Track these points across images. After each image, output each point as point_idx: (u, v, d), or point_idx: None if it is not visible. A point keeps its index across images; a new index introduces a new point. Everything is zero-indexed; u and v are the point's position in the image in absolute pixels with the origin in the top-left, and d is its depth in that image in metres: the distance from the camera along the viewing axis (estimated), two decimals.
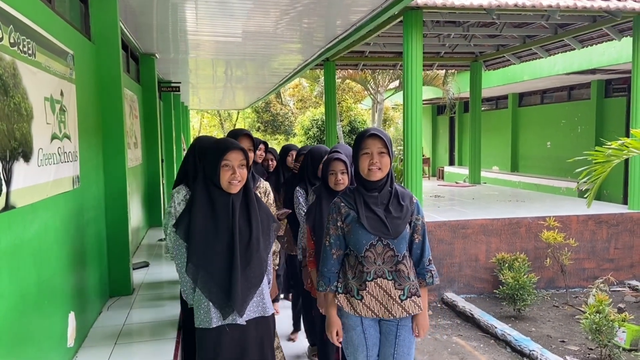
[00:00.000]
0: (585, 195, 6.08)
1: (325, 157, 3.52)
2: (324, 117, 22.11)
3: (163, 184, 9.98)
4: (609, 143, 5.83)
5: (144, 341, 4.11)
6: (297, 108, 27.22)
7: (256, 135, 26.90)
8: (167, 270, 6.38)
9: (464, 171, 18.48)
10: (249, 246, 2.64)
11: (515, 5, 7.46)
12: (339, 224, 2.71)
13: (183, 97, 17.11)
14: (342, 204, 2.72)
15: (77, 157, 4.07)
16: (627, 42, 9.84)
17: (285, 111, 27.36)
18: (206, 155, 2.72)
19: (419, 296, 2.74)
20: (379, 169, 2.62)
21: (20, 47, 2.88)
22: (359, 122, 22.63)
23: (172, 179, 12.13)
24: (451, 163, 22.15)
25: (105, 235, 5.09)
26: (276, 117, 26.91)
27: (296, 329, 5.06)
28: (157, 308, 4.92)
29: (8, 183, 2.61)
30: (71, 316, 3.76)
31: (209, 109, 30.02)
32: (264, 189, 3.53)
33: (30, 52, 3.03)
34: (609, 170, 5.76)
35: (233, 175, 2.58)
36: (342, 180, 3.28)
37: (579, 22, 9.35)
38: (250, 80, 14.55)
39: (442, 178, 20.52)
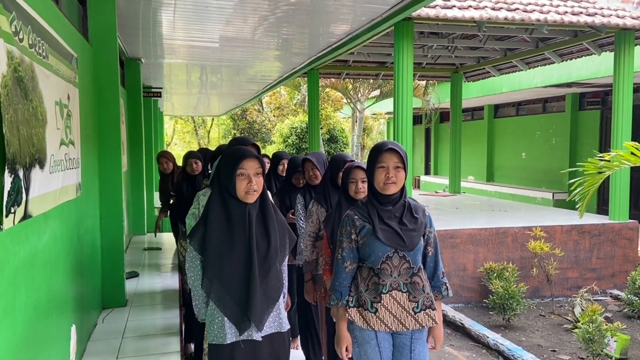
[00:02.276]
0: (577, 206, 6.17)
1: (346, 165, 3.50)
2: (303, 125, 22.12)
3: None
4: (601, 155, 5.94)
5: (148, 355, 3.97)
6: (274, 116, 27.13)
7: None
8: (158, 281, 6.22)
9: (440, 180, 18.70)
10: (266, 258, 2.55)
11: (505, 19, 7.60)
12: (352, 237, 2.68)
13: (159, 102, 16.87)
14: (356, 217, 2.69)
15: (80, 163, 3.93)
16: (605, 56, 10.13)
17: (262, 119, 27.24)
18: (220, 164, 2.64)
19: (433, 309, 2.73)
20: (394, 183, 2.61)
21: (37, 48, 2.76)
22: (337, 130, 22.69)
23: (152, 186, 11.89)
24: (427, 172, 22.39)
25: (99, 244, 4.92)
26: (253, 125, 26.76)
27: (294, 334, 4.97)
28: (155, 320, 4.77)
29: (27, 191, 2.48)
30: (73, 329, 3.60)
31: (183, 115, 29.65)
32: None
33: (44, 54, 2.91)
34: (600, 181, 5.87)
35: (249, 184, 2.49)
36: (363, 189, 3.22)
37: (561, 36, 9.58)
38: (225, 87, 14.44)
39: (418, 187, 20.71)
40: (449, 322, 7.48)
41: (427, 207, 9.80)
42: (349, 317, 2.73)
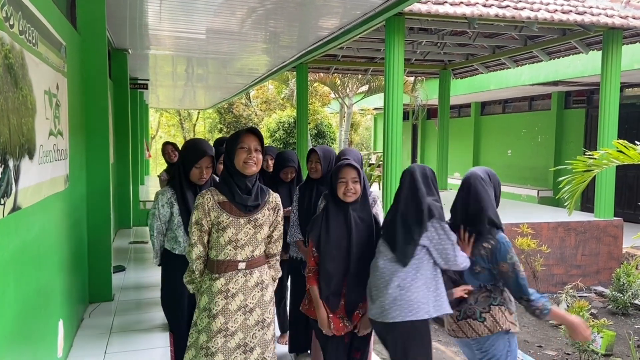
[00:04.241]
0: (566, 204, 6.22)
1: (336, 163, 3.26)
2: (290, 120, 22.01)
3: None
4: (589, 153, 5.97)
5: (137, 350, 3.91)
6: (261, 110, 26.97)
7: (218, 136, 26.45)
8: (144, 275, 6.14)
9: None
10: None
11: (496, 16, 7.58)
12: None
13: (144, 94, 16.65)
14: None
15: (68, 155, 3.84)
16: (592, 55, 10.20)
17: (249, 112, 27.07)
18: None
19: None
20: None
21: (27, 35, 2.68)
22: (325, 125, 22.63)
23: (137, 179, 11.75)
24: None
25: (86, 238, 4.83)
26: (239, 119, 26.57)
27: (283, 330, 4.85)
28: (143, 314, 4.71)
29: (17, 182, 2.41)
30: (60, 324, 3.53)
31: (169, 108, 29.35)
32: (274, 204, 2.73)
33: (34, 41, 2.82)
34: (589, 179, 5.91)
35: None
36: (354, 190, 2.89)
37: (549, 34, 9.61)
38: (211, 80, 14.28)
39: None
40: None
41: None
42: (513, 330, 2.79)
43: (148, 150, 15.96)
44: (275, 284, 2.82)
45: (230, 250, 2.50)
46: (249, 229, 2.53)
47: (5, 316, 2.31)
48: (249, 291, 2.55)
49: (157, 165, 28.47)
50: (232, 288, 2.51)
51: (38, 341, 2.95)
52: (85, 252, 4.82)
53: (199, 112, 31.57)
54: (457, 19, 7.93)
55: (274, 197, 2.71)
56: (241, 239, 2.52)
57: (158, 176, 5.77)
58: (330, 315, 2.93)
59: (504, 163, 16.94)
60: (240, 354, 2.51)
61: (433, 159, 16.55)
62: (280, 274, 2.84)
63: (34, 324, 2.84)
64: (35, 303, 2.83)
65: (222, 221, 2.48)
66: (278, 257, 2.79)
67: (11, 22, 2.37)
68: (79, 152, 4.49)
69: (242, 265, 2.52)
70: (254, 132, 2.57)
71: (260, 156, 2.55)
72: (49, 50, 3.19)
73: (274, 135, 22.20)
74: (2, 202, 2.21)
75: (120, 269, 6.17)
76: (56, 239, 3.45)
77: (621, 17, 8.09)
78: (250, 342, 2.54)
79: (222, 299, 2.49)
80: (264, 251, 2.68)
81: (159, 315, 4.69)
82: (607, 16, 8.03)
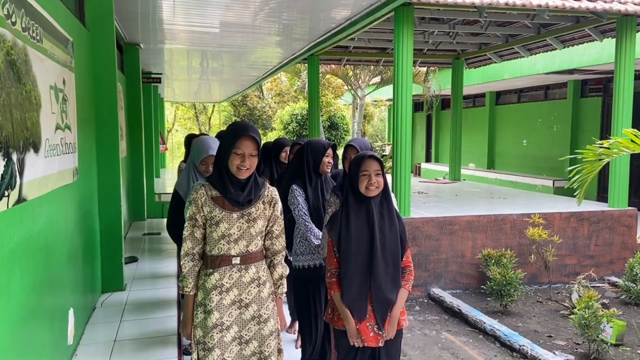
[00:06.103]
0: (575, 194, 6.17)
1: (354, 155, 3.05)
2: (303, 112, 22.05)
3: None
4: (600, 142, 5.91)
5: (146, 338, 4.01)
6: (275, 102, 27.06)
7: None
8: (156, 265, 6.25)
9: (441, 168, 18.66)
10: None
11: (507, 4, 7.50)
12: None
13: (159, 88, 16.82)
14: None
15: (76, 148, 3.93)
16: (608, 43, 10.05)
17: (262, 105, 27.18)
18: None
19: None
20: None
21: (30, 32, 2.75)
22: (338, 117, 22.63)
23: (152, 172, 11.91)
24: (427, 160, 22.35)
25: (98, 229, 4.94)
26: (253, 111, 26.70)
27: (293, 318, 4.69)
28: (153, 304, 4.81)
29: (21, 174, 2.49)
30: (71, 313, 3.64)
31: (184, 101, 29.59)
32: (269, 197, 2.65)
33: (38, 38, 2.90)
34: (599, 168, 5.85)
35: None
36: (377, 184, 2.75)
37: (563, 22, 9.49)
38: (225, 73, 14.38)
39: (419, 174, 20.69)
40: (446, 308, 7.52)
41: (426, 194, 9.77)
42: None
43: (164, 144, 16.18)
44: (284, 281, 2.73)
45: (223, 245, 2.49)
46: (242, 223, 2.50)
47: (10, 303, 2.40)
48: (244, 287, 2.53)
49: (174, 158, 28.75)
50: (227, 283, 2.50)
51: (47, 328, 3.05)
52: (97, 243, 4.93)
53: (214, 105, 31.78)
54: (467, 8, 7.87)
55: (270, 191, 2.64)
56: (234, 233, 2.49)
57: (178, 166, 5.72)
58: (358, 325, 2.77)
59: (520, 153, 16.81)
60: (236, 346, 2.51)
61: (447, 149, 16.43)
62: (288, 271, 2.76)
63: (43, 312, 2.93)
64: (43, 292, 2.93)
65: (215, 216, 2.47)
66: (284, 253, 2.71)
67: (13, 20, 2.45)
68: (88, 146, 4.59)
69: (236, 260, 2.50)
70: (251, 137, 2.47)
71: (255, 160, 2.49)
72: (54, 46, 3.27)
73: (287, 128, 22.28)
74: (7, 194, 2.29)
75: (133, 259, 6.30)
76: (65, 230, 3.55)
77: (635, 4, 7.95)
78: (246, 335, 2.54)
79: (216, 295, 2.49)
80: (263, 247, 2.63)
81: (169, 305, 4.80)
82: (620, 3, 7.90)
